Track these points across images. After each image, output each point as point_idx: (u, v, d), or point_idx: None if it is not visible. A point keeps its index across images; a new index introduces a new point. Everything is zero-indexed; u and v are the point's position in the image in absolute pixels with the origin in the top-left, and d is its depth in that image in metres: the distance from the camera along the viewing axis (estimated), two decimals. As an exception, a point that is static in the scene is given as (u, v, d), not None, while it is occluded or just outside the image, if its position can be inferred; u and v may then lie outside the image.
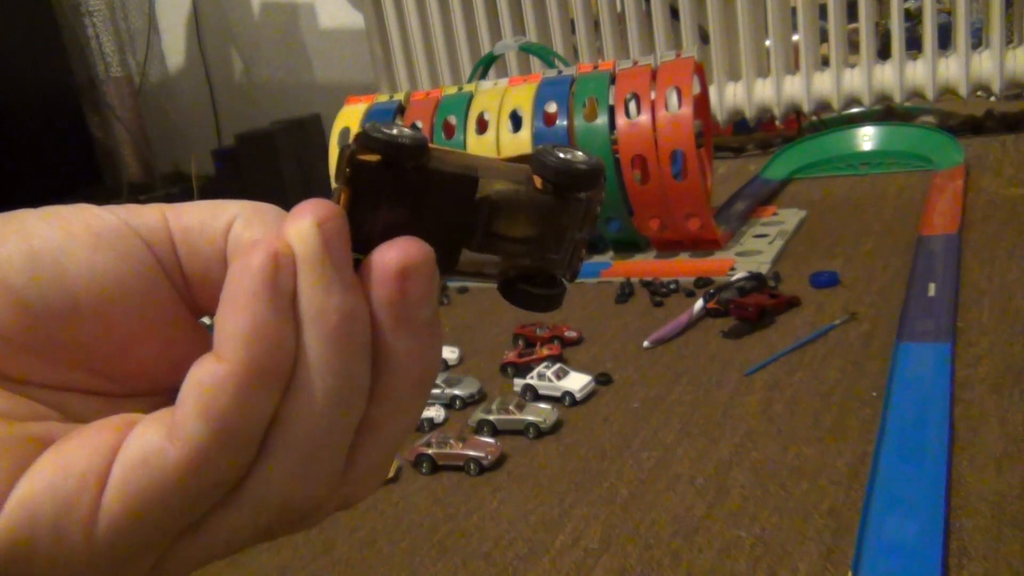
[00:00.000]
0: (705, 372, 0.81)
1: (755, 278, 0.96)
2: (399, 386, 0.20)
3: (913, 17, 1.90)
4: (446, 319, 1.09)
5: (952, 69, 1.57)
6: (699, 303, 0.93)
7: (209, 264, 0.21)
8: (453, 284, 1.21)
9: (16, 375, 0.20)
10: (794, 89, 1.68)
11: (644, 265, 1.15)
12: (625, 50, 1.79)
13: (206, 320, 0.22)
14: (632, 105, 1.11)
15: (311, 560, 0.61)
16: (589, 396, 0.79)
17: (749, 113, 1.73)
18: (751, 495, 0.60)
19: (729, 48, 1.72)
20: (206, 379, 0.18)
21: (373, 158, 0.20)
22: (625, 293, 1.05)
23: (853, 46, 1.64)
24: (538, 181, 0.22)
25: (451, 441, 0.71)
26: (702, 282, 1.05)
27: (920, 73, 1.59)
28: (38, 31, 2.10)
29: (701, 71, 1.21)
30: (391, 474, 0.70)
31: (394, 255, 0.19)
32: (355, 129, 1.29)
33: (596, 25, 1.81)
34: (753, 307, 0.89)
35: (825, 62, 1.66)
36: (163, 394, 0.22)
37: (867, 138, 1.52)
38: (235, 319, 0.18)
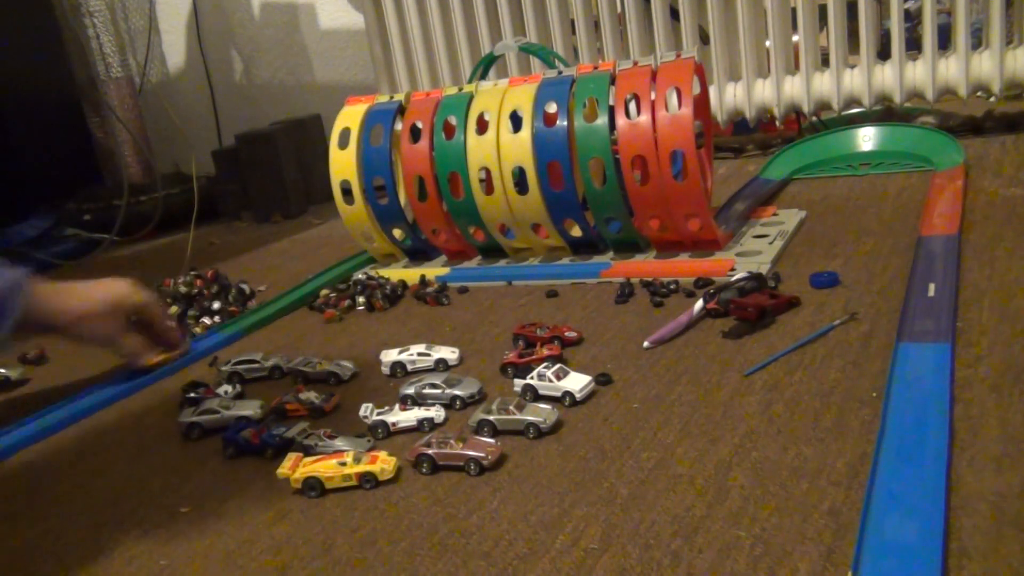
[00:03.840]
0: (705, 372, 0.81)
1: (755, 278, 0.96)
2: None
3: (913, 17, 1.90)
4: (446, 319, 1.09)
5: (952, 70, 1.57)
6: (699, 303, 0.94)
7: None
8: (453, 284, 1.21)
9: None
10: (794, 89, 1.68)
11: (644, 265, 1.14)
12: (625, 50, 1.79)
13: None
14: (632, 105, 1.11)
15: (311, 560, 0.61)
16: (589, 396, 0.79)
17: (749, 113, 1.73)
18: (751, 495, 0.60)
19: (729, 48, 1.72)
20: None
21: None
22: (625, 293, 1.05)
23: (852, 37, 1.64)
24: None
25: (451, 441, 0.71)
26: (702, 282, 1.05)
27: (920, 74, 1.59)
28: (38, 31, 2.10)
29: (701, 71, 1.21)
30: (391, 474, 0.70)
31: None
32: (355, 130, 1.29)
33: (596, 25, 1.81)
34: (753, 307, 0.89)
35: (825, 62, 1.66)
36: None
37: (867, 138, 1.52)
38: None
